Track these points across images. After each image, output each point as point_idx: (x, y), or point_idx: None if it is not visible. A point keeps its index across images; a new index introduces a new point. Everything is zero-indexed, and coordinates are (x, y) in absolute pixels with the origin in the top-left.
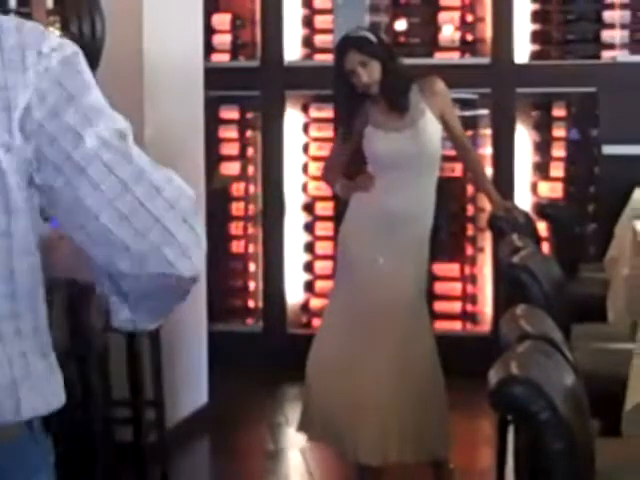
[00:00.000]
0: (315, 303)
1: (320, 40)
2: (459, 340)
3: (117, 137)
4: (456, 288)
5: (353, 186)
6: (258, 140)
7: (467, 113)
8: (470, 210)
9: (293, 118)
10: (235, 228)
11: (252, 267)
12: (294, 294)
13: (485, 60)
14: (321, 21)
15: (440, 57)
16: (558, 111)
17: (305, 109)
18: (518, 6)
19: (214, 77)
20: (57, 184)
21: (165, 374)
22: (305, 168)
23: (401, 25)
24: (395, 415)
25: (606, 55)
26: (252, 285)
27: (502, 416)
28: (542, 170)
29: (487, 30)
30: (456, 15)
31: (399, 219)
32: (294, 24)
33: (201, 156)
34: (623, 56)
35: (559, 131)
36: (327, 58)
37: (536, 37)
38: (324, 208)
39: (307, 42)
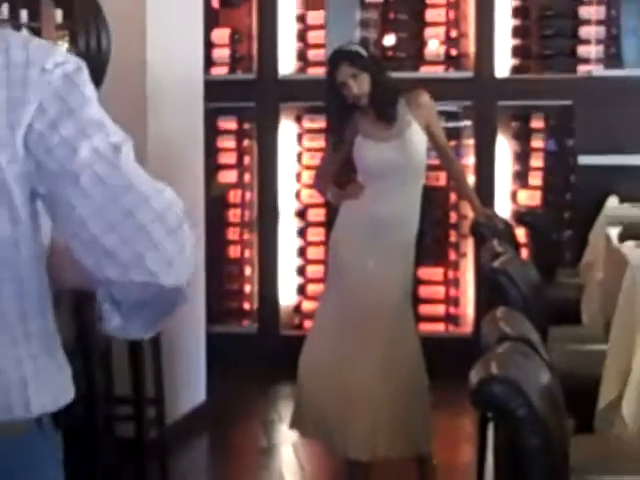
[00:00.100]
0: (307, 305)
1: (313, 54)
2: (442, 341)
3: (111, 150)
4: (440, 291)
5: (343, 194)
6: (254, 149)
7: (451, 124)
8: (453, 217)
9: (287, 129)
10: (232, 234)
11: (248, 271)
12: (287, 297)
13: (468, 74)
14: (314, 36)
15: (426, 71)
16: (537, 123)
17: (299, 120)
18: (499, 23)
19: (213, 89)
20: (53, 193)
21: (165, 373)
22: (298, 176)
23: (389, 40)
24: (383, 412)
25: (582, 69)
26: (248, 288)
27: (482, 414)
28: (521, 179)
29: (470, 45)
30: (441, 31)
31: (386, 225)
32: (288, 39)
33: (200, 164)
34: (598, 70)
35: (537, 142)
36: (319, 71)
37: (516, 52)
38: (316, 215)
39: (301, 56)
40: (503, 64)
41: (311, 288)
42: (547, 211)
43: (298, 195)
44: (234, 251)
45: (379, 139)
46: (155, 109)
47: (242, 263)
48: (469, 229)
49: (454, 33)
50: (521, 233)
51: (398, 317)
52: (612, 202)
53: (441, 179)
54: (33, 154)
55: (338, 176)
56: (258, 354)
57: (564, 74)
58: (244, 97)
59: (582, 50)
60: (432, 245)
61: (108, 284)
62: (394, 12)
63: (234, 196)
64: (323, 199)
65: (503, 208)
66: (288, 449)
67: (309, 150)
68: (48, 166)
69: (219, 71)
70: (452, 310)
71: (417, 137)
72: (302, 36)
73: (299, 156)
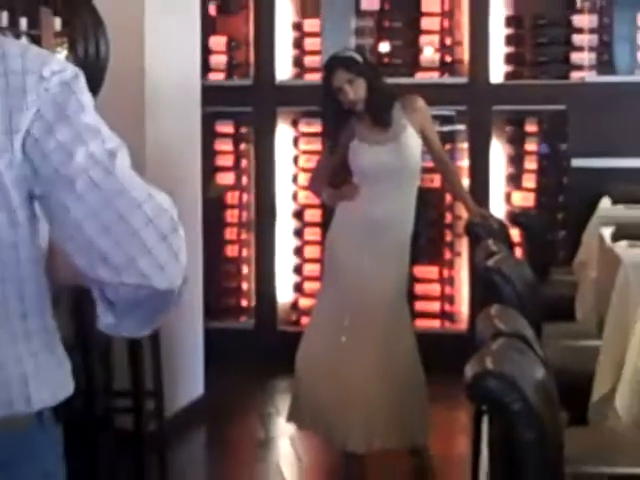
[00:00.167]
0: (304, 302)
1: (309, 61)
2: (438, 337)
3: (106, 155)
4: (435, 289)
5: (339, 195)
6: (251, 152)
7: (446, 128)
8: (448, 218)
9: (284, 132)
10: (230, 234)
11: (245, 269)
12: (284, 294)
13: (463, 80)
14: (310, 43)
15: (421, 77)
16: (530, 127)
17: (295, 124)
18: (493, 30)
19: (211, 94)
20: (49, 196)
21: (164, 367)
22: (295, 178)
23: (385, 47)
24: (379, 407)
25: (575, 76)
26: (245, 286)
27: (477, 407)
28: (515, 181)
29: (465, 52)
30: (436, 38)
31: (382, 226)
32: (285, 46)
33: (198, 167)
34: (590, 77)
35: (531, 145)
36: (315, 77)
37: (510, 59)
38: (312, 215)
39: (297, 62)
40: (497, 70)
41: (308, 286)
42: (541, 212)
43: (295, 196)
44: (232, 250)
45: (375, 143)
46: (153, 114)
47: (239, 262)
48: (464, 229)
49: (449, 41)
50: (515, 233)
51: (394, 315)
52: (605, 203)
53: (436, 181)
54: (30, 159)
55: (333, 178)
56: (255, 349)
57: (557, 80)
58: (241, 102)
59: (575, 57)
60: (427, 245)
61: (101, 285)
62: (389, 20)
63: (232, 197)
64: (319, 200)
65: (498, 209)
66: (285, 442)
67: (305, 153)
68: (44, 170)
69: (216, 77)
70: (447, 307)
71: (412, 141)
72: (298, 43)
73: (295, 159)
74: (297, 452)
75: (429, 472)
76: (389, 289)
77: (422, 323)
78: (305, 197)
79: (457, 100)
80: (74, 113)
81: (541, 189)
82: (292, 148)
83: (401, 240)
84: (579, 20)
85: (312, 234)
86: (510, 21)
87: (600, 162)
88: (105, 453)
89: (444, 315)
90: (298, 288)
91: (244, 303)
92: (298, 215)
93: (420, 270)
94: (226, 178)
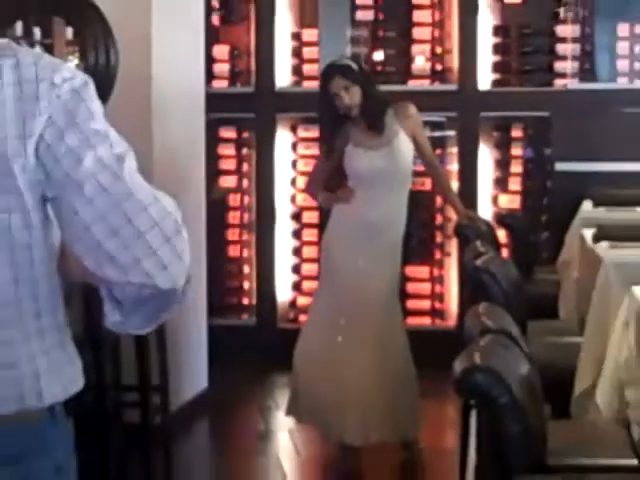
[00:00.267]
0: (302, 301)
1: (307, 69)
2: (428, 334)
3: (114, 160)
4: (426, 288)
5: (335, 198)
6: (252, 157)
7: (436, 134)
8: (438, 219)
9: (283, 138)
10: (232, 234)
11: (246, 269)
12: (283, 293)
13: (452, 87)
14: (308, 52)
15: (413, 84)
16: (516, 132)
17: (294, 130)
18: (481, 40)
19: (214, 101)
20: (59, 198)
21: (169, 363)
22: (294, 182)
23: (379, 56)
24: (374, 401)
25: (558, 83)
26: (246, 285)
27: (466, 401)
28: (502, 184)
29: (454, 60)
30: (427, 47)
31: (376, 228)
32: (284, 54)
33: (202, 170)
34: (573, 84)
35: (517, 150)
36: (314, 85)
37: (497, 67)
38: (310, 217)
39: (296, 70)
40: (485, 78)
41: (306, 285)
42: (526, 214)
43: (293, 199)
44: (234, 250)
45: (369, 148)
46: (160, 120)
47: (241, 262)
48: (453, 230)
49: (439, 49)
50: (502, 234)
51: (387, 313)
52: (587, 206)
53: (427, 184)
54: (43, 163)
55: (329, 181)
56: (256, 346)
57: (542, 87)
58: (243, 108)
59: (558, 65)
60: (418, 245)
61: (108, 283)
62: (383, 30)
63: (234, 200)
64: (316, 203)
65: (485, 211)
66: (284, 435)
67: (304, 157)
68: (56, 175)
69: (220, 84)
70: (437, 305)
71: (404, 146)
72: (297, 52)
73: (294, 163)
74: (296, 444)
75: (419, 464)
76: (383, 288)
77: (413, 320)
78: (303, 200)
79: (447, 107)
80: (83, 120)
81: (526, 192)
82: (291, 153)
83: (394, 241)
84: (562, 30)
85: (310, 235)
86: (497, 31)
87: (582, 166)
88: (114, 446)
89: (434, 313)
90: (296, 287)
91: (245, 301)
92: (296, 217)
93: (412, 270)
94: (229, 181)
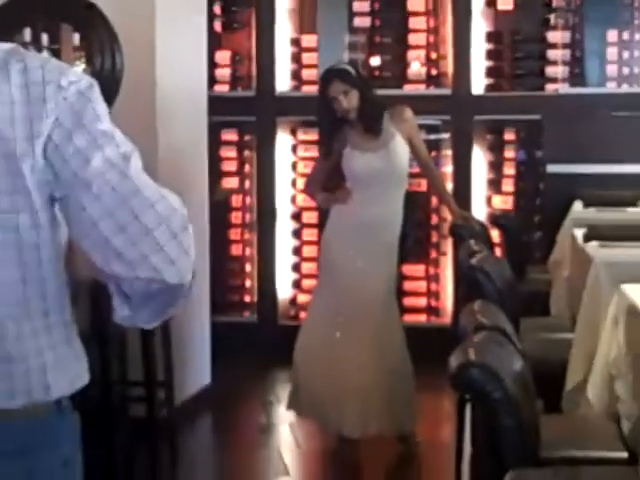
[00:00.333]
0: (302, 298)
1: (307, 74)
2: (424, 331)
3: (121, 159)
4: (422, 286)
5: (333, 199)
6: (254, 159)
7: (431, 137)
8: (434, 219)
9: (283, 140)
10: (234, 234)
11: (248, 267)
12: (284, 290)
13: (447, 91)
14: (307, 58)
15: (408, 89)
16: (509, 135)
17: (294, 133)
18: (475, 45)
19: (216, 105)
20: (67, 197)
21: (174, 358)
22: (294, 183)
23: (376, 61)
24: (372, 395)
25: (549, 88)
26: (248, 283)
27: (461, 395)
28: (495, 185)
29: (449, 66)
30: (422, 53)
31: (373, 228)
32: (284, 60)
33: (205, 172)
34: (564, 89)
35: (510, 152)
36: (312, 89)
37: (490, 72)
38: (309, 217)
39: (295, 75)
40: (478, 83)
41: (305, 283)
42: (519, 214)
43: (293, 199)
44: (236, 249)
45: (366, 150)
46: (164, 123)
47: (243, 260)
48: (448, 230)
49: (434, 55)
50: (495, 234)
51: (384, 310)
52: (577, 206)
53: (422, 185)
54: (51, 164)
55: (328, 182)
56: (257, 342)
57: (533, 92)
58: (244, 112)
59: (550, 70)
60: (415, 245)
61: (116, 279)
62: (380, 36)
63: (236, 200)
64: (315, 203)
65: (479, 211)
66: (285, 428)
67: (303, 159)
68: (64, 175)
69: (222, 88)
70: (433, 303)
71: (400, 148)
72: (297, 58)
73: (294, 165)
74: (296, 437)
75: (416, 456)
76: (380, 286)
77: (410, 318)
78: (303, 200)
79: (442, 110)
80: (90, 121)
81: (519, 193)
82: (291, 155)
83: (390, 241)
84: (553, 36)
85: (309, 235)
86: (490, 37)
87: (573, 168)
88: (121, 439)
89: (430, 310)
90: (297, 285)
91: (247, 299)
92: (296, 217)
93: (408, 268)
94: (231, 182)
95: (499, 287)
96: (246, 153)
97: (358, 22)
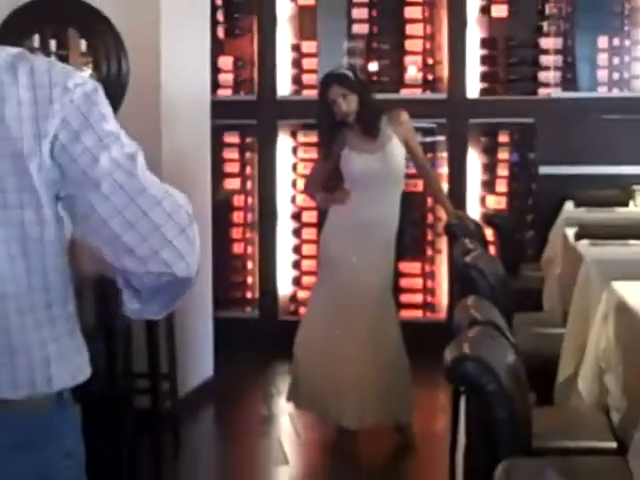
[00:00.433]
0: (302, 295)
1: (307, 78)
2: (420, 326)
3: (127, 159)
4: (418, 283)
5: (332, 199)
6: (255, 161)
7: (427, 139)
8: (429, 218)
9: (284, 142)
10: (236, 233)
11: (250, 265)
12: (284, 287)
13: (442, 95)
14: (307, 63)
15: (405, 93)
16: (503, 138)
17: (294, 135)
18: (470, 51)
19: (219, 108)
20: (74, 196)
21: (178, 352)
22: (294, 183)
23: (373, 66)
24: (370, 388)
25: (542, 92)
26: (250, 280)
27: (456, 388)
28: (489, 186)
29: (444, 71)
30: (419, 58)
31: (370, 227)
32: (285, 65)
33: (208, 173)
34: (556, 93)
35: (503, 154)
36: (312, 93)
37: (485, 77)
38: (309, 217)
39: (296, 80)
40: (473, 87)
41: (305, 280)
42: (512, 214)
43: (294, 200)
44: (238, 248)
45: (364, 151)
46: (168, 125)
47: (245, 258)
48: (443, 229)
49: (430, 60)
50: (489, 233)
51: (381, 306)
52: (569, 206)
53: (418, 185)
54: (58, 163)
55: (327, 183)
56: (259, 337)
57: (527, 96)
58: (246, 115)
59: (542, 75)
60: (411, 243)
61: (127, 274)
62: (377, 42)
63: (238, 200)
64: (314, 203)
65: (474, 211)
66: (285, 419)
67: (303, 161)
68: (72, 173)
69: (224, 93)
70: (429, 299)
71: (397, 150)
72: (297, 63)
73: (294, 166)
74: (296, 428)
75: (412, 447)
76: (377, 283)
77: (406, 313)
78: (303, 200)
79: (437, 114)
80: (96, 122)
81: (512, 193)
82: (291, 157)
83: (387, 239)
84: (546, 42)
85: (309, 234)
86: (485, 43)
87: (565, 169)
88: (126, 430)
89: (426, 306)
90: (297, 282)
91: (249, 295)
92: (296, 216)
93: (404, 265)
94: (233, 183)
95: (492, 284)
96: (248, 155)
97: (357, 29)
